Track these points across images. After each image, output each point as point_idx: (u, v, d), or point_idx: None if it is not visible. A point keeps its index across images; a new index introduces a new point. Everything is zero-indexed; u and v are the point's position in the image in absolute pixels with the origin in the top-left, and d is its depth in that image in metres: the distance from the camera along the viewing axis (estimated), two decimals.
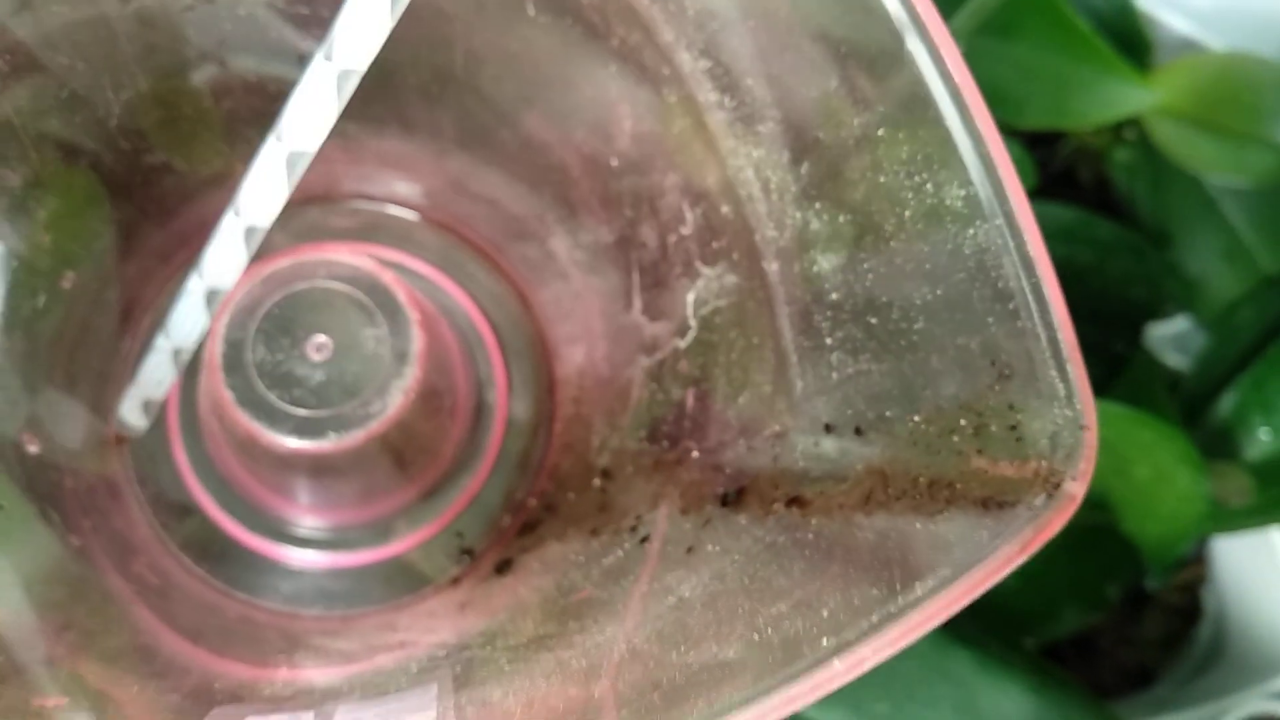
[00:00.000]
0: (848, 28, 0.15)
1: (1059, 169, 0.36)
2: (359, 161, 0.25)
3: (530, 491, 0.25)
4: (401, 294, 0.22)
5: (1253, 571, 0.32)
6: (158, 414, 0.24)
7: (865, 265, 0.16)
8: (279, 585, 0.24)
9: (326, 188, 0.26)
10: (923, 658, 0.26)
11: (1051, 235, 0.14)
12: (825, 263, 0.16)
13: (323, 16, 0.21)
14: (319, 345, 0.21)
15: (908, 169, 0.15)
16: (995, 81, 0.30)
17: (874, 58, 0.15)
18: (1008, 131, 0.30)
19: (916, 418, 0.15)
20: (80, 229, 0.22)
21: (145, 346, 0.23)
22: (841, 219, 0.16)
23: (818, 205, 0.16)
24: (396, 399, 0.21)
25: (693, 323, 0.20)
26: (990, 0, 0.29)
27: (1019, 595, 0.29)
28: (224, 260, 0.21)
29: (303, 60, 0.22)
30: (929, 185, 0.14)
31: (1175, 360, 0.33)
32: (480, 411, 0.25)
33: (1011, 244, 0.13)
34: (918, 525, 0.13)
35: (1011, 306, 0.14)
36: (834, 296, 0.16)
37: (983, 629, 0.27)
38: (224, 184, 0.24)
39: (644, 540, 0.18)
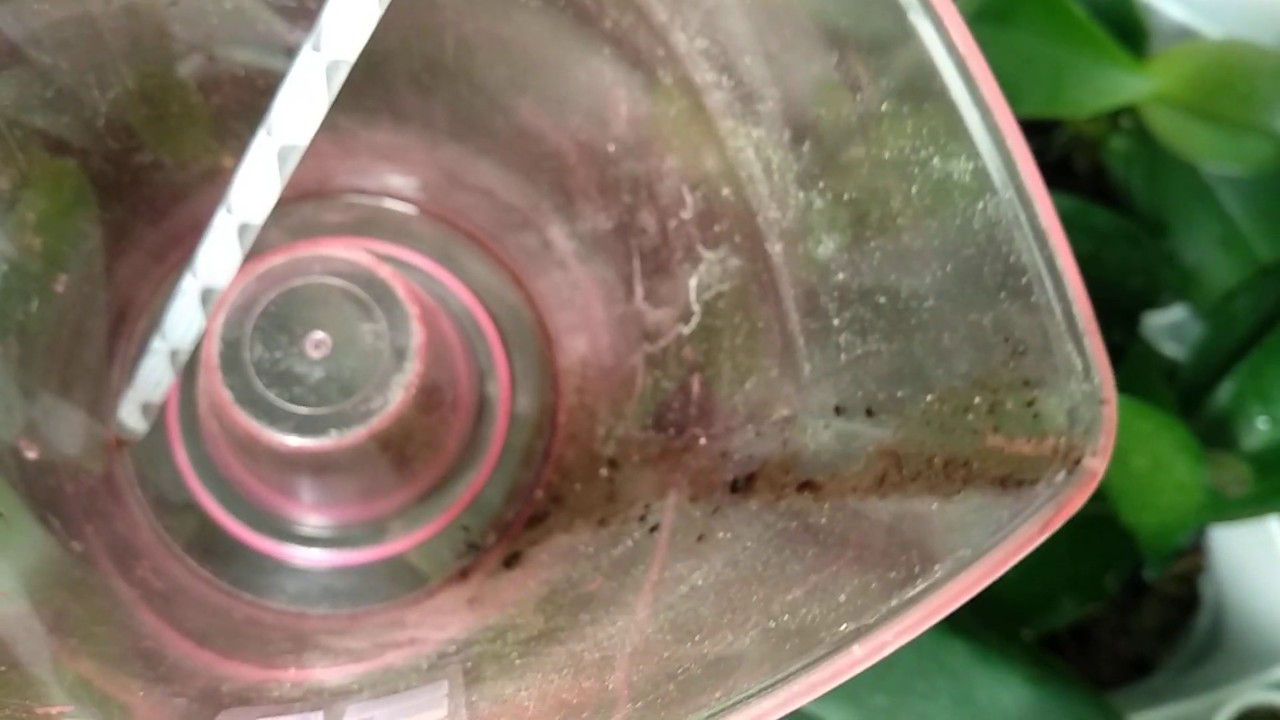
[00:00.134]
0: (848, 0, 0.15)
1: (1055, 158, 0.36)
2: (351, 154, 0.25)
3: (536, 483, 0.25)
4: (400, 288, 0.21)
5: (1251, 561, 0.32)
6: (157, 416, 0.23)
7: (872, 244, 0.15)
8: (284, 585, 0.24)
9: (319, 182, 0.25)
10: (920, 649, 0.26)
11: None
12: (831, 243, 0.16)
13: (310, 8, 0.20)
14: (317, 342, 0.21)
15: (913, 144, 0.14)
16: (991, 69, 0.29)
17: (876, 31, 0.15)
18: None
19: (929, 397, 0.14)
20: (70, 230, 0.21)
21: (141, 349, 0.23)
22: (846, 197, 0.16)
23: (821, 184, 0.16)
24: (398, 394, 0.21)
25: (696, 308, 0.20)
26: None
27: (1016, 586, 0.29)
28: (218, 259, 0.20)
29: (291, 53, 0.21)
30: (936, 160, 0.14)
31: (1172, 349, 0.33)
32: (482, 404, 0.25)
33: (1023, 217, 0.13)
34: (934, 506, 0.13)
35: (1024, 281, 0.13)
36: (840, 277, 0.16)
37: (980, 620, 0.27)
38: (215, 181, 0.24)
39: (653, 529, 0.18)
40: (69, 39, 0.19)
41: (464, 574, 0.24)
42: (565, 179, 0.23)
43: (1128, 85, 0.30)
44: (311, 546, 0.24)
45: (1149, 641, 0.34)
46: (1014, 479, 0.13)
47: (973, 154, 0.14)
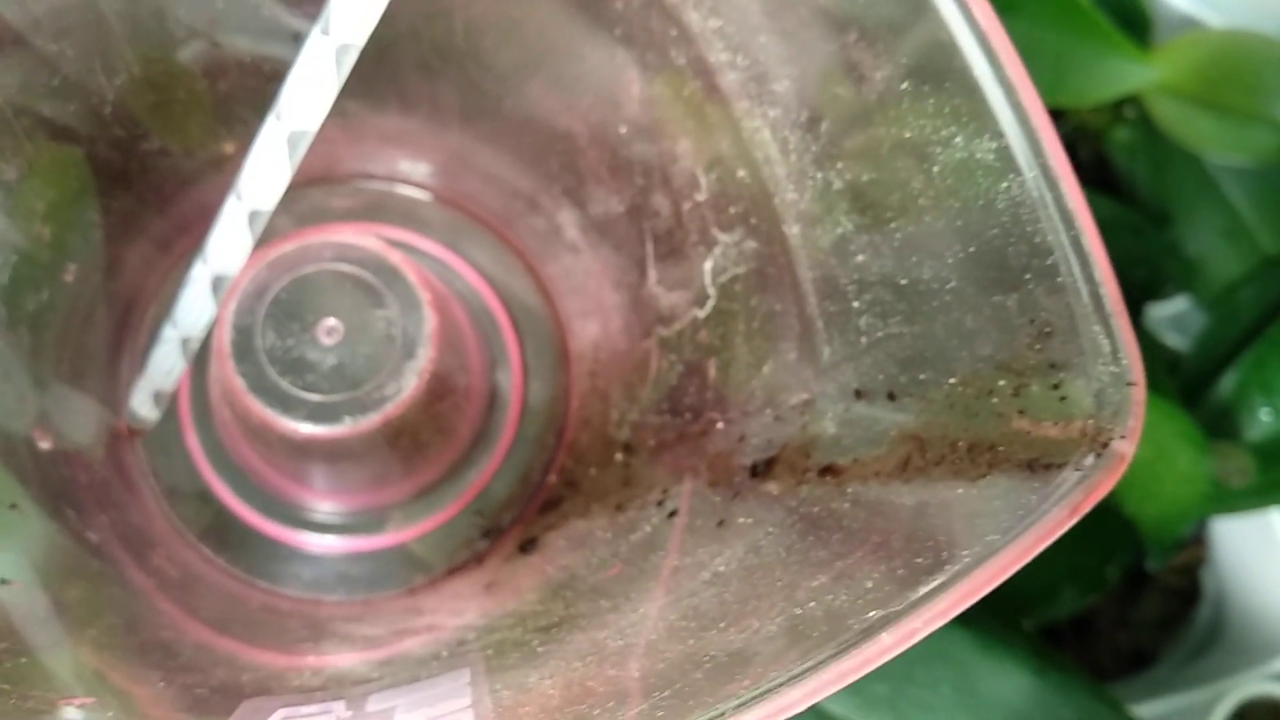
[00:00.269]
0: None
1: None
2: (360, 139, 0.24)
3: (549, 468, 0.24)
4: (411, 274, 0.21)
5: (1252, 553, 0.32)
6: (168, 405, 0.23)
7: (892, 225, 0.15)
8: (299, 572, 0.24)
9: (327, 168, 0.25)
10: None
11: None
12: (850, 224, 0.16)
13: None
14: (330, 329, 0.21)
15: (935, 123, 0.14)
16: None
17: (895, 6, 0.14)
18: None
19: (952, 380, 0.14)
20: (78, 219, 0.21)
21: (152, 337, 0.22)
22: (866, 178, 0.15)
23: (840, 165, 0.16)
24: (411, 381, 0.21)
25: (711, 291, 0.19)
26: None
27: (1018, 576, 0.29)
28: (228, 246, 0.20)
29: (296, 38, 0.21)
30: (958, 139, 0.14)
31: (1174, 341, 0.33)
32: (494, 389, 0.25)
33: (1049, 197, 0.13)
34: (959, 491, 0.13)
35: (1050, 262, 0.13)
36: (860, 259, 0.16)
37: (982, 610, 0.27)
38: (221, 168, 0.23)
39: (672, 515, 0.18)
40: (73, 25, 0.19)
41: (479, 559, 0.24)
42: (576, 162, 0.22)
43: (1132, 75, 0.30)
44: (325, 533, 0.24)
45: (1149, 633, 0.34)
46: (1041, 462, 0.13)
47: (996, 133, 0.13)
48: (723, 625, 0.13)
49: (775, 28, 0.16)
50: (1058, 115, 0.35)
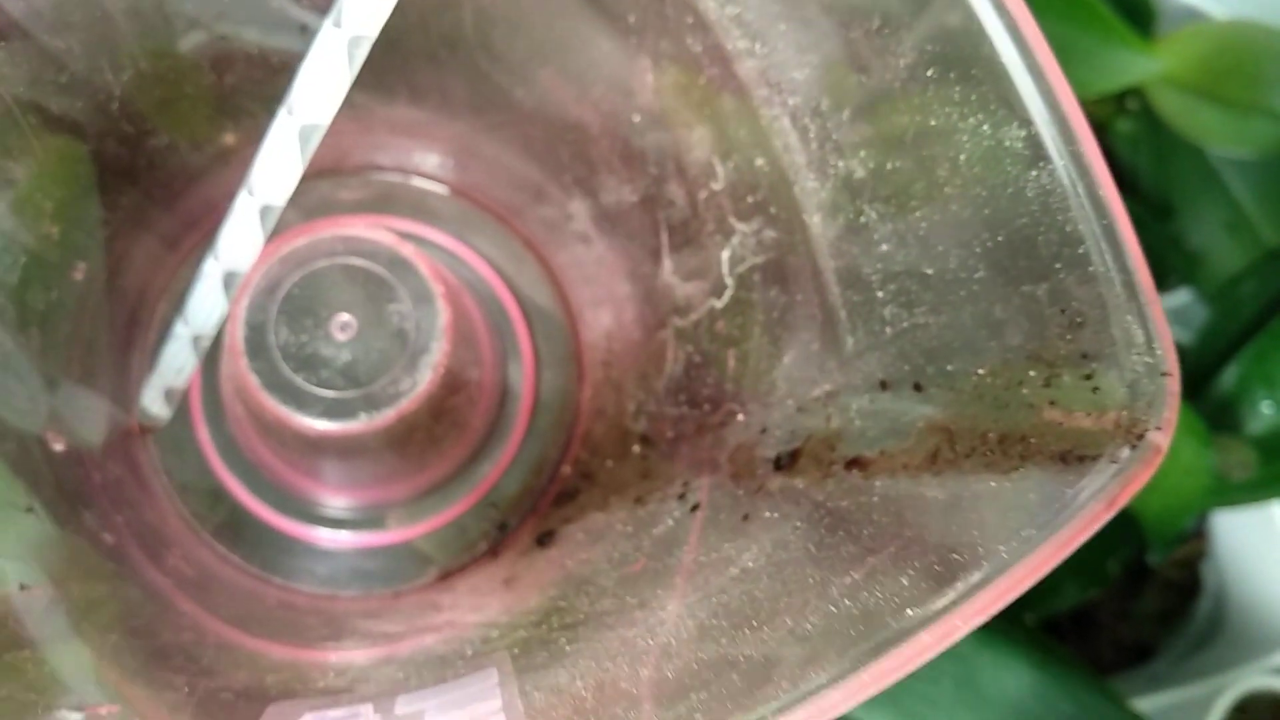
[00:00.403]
0: None
1: None
2: (369, 131, 0.24)
3: (563, 459, 0.24)
4: (424, 267, 0.21)
5: (1253, 547, 0.32)
6: (179, 402, 0.23)
7: (917, 214, 0.15)
8: (314, 568, 0.24)
9: (336, 160, 0.25)
10: None
11: None
12: (873, 213, 0.16)
13: None
14: (343, 324, 0.21)
15: (960, 110, 0.14)
16: None
17: None
18: None
19: (981, 371, 0.14)
20: (87, 217, 0.21)
21: (162, 334, 0.22)
22: (890, 166, 0.15)
23: (863, 153, 0.16)
24: (426, 375, 0.20)
25: (729, 281, 0.19)
26: None
27: None
28: (240, 241, 0.20)
29: (304, 30, 0.21)
30: (985, 126, 0.14)
31: (1177, 334, 0.33)
32: (506, 381, 0.25)
33: (1080, 185, 0.13)
34: (992, 484, 0.13)
35: (1081, 251, 0.13)
36: (884, 248, 0.15)
37: None
38: (230, 163, 0.23)
39: (694, 508, 0.17)
40: (79, 20, 0.19)
41: (494, 553, 0.24)
42: (588, 151, 0.22)
43: (1134, 66, 0.30)
44: (339, 528, 0.24)
45: (1150, 626, 0.34)
46: (1074, 454, 0.12)
47: (1025, 120, 0.13)
48: (755, 624, 0.13)
49: (795, 15, 0.16)
50: None
